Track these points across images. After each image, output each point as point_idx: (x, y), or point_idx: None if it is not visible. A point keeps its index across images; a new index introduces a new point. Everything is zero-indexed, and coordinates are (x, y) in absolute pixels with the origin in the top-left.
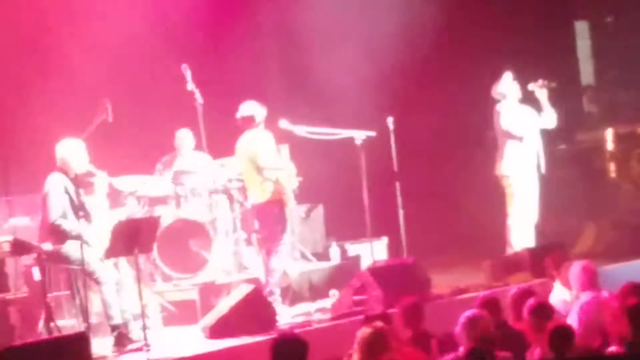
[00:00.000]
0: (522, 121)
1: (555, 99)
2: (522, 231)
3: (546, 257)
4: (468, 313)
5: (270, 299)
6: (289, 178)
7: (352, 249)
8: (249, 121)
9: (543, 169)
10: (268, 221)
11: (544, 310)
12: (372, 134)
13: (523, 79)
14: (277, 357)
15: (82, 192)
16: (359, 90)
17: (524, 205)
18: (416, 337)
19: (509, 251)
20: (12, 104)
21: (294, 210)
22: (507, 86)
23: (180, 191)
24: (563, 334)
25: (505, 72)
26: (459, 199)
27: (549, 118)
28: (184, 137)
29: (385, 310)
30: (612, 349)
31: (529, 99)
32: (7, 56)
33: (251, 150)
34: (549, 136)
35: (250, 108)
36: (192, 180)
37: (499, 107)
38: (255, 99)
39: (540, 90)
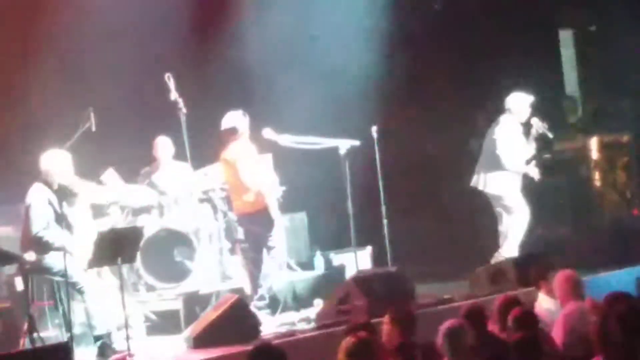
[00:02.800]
0: (513, 141)
1: (539, 108)
2: (511, 244)
3: (531, 267)
4: (448, 323)
5: (260, 304)
6: (271, 188)
7: (337, 258)
8: (232, 133)
9: (536, 176)
10: (256, 230)
11: (528, 320)
12: (357, 143)
13: (507, 88)
14: None
15: (65, 203)
16: (344, 99)
17: (517, 221)
18: (401, 347)
19: (496, 257)
20: None
21: (276, 220)
22: (520, 107)
23: (164, 201)
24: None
25: (530, 94)
26: (443, 209)
27: (528, 152)
28: (163, 145)
29: (369, 319)
30: (596, 358)
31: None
32: None
33: (233, 165)
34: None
35: (232, 120)
36: (175, 190)
37: (502, 118)
38: (239, 108)
39: (537, 128)
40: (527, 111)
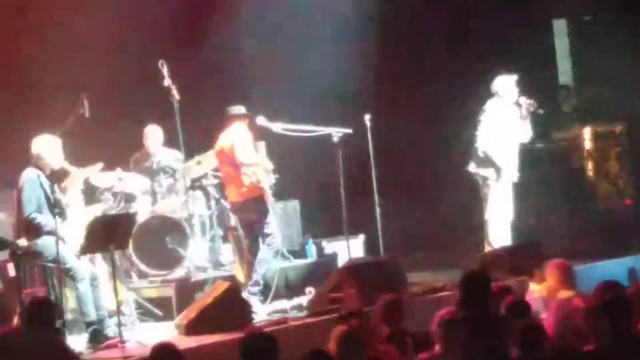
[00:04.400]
0: (504, 124)
1: (533, 96)
2: (499, 229)
3: (524, 256)
4: (443, 312)
5: (254, 289)
6: (266, 174)
7: (329, 246)
8: (241, 118)
9: (515, 174)
10: (250, 217)
11: (520, 308)
12: (349, 131)
13: (502, 77)
14: (246, 355)
15: (57, 189)
16: (337, 87)
17: (501, 203)
18: (392, 335)
19: (487, 249)
20: None
21: (271, 207)
22: (507, 87)
23: (156, 187)
24: (534, 332)
25: (514, 74)
26: (436, 197)
27: (525, 133)
28: (153, 134)
29: (361, 308)
30: (587, 347)
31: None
32: None
33: (229, 147)
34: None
35: (237, 109)
36: (167, 177)
37: (489, 103)
38: (233, 95)
39: (526, 107)
40: (515, 90)
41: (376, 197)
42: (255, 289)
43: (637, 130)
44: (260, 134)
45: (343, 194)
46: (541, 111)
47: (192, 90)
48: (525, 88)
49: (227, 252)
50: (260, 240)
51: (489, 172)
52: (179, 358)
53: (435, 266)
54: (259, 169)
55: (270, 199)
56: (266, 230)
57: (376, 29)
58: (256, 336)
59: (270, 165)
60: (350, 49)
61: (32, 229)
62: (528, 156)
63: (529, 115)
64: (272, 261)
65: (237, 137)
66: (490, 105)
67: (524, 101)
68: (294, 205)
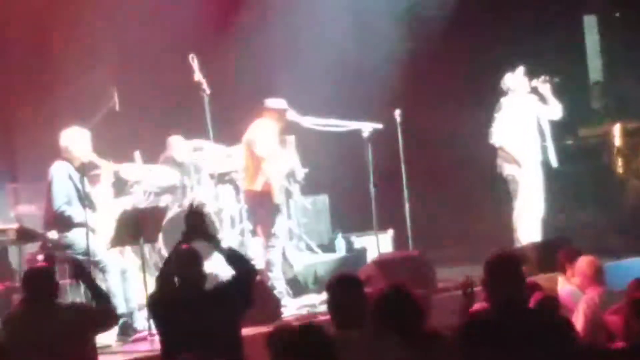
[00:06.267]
0: (521, 119)
1: (563, 94)
2: (528, 225)
3: (556, 252)
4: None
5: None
6: (278, 174)
7: (358, 241)
8: (277, 113)
9: (554, 163)
10: (257, 210)
11: (549, 304)
12: (379, 126)
13: (530, 74)
14: (275, 350)
15: (87, 181)
16: (367, 82)
17: (529, 199)
18: None
19: (516, 245)
20: (20, 90)
21: (299, 201)
22: (516, 80)
23: (187, 181)
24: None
25: (519, 66)
26: (466, 192)
27: (554, 109)
28: (177, 145)
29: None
30: (617, 344)
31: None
32: (16, 43)
33: (249, 139)
34: (556, 131)
35: (276, 102)
36: (196, 171)
37: (503, 100)
38: (263, 89)
39: (543, 85)
40: (525, 80)
41: (405, 192)
42: (274, 292)
43: None
44: (291, 128)
45: (372, 189)
46: (557, 79)
47: (222, 85)
48: (556, 85)
49: (256, 246)
50: (264, 239)
51: (512, 169)
52: None
53: (465, 261)
54: (273, 167)
55: (280, 198)
56: (272, 230)
57: (405, 23)
58: (286, 330)
59: (292, 166)
60: (380, 43)
61: (62, 222)
62: (557, 152)
63: (550, 91)
64: (280, 260)
65: (258, 130)
66: (504, 102)
67: (539, 83)
68: (323, 199)
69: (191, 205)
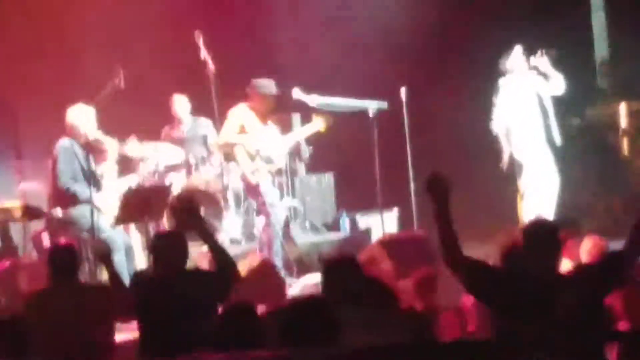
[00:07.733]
0: (520, 98)
1: (568, 72)
2: (534, 204)
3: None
4: None
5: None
6: (250, 158)
7: (363, 219)
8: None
9: (557, 141)
10: (248, 190)
11: None
12: (385, 105)
13: (535, 52)
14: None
15: (92, 159)
16: (373, 60)
17: (535, 178)
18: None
19: (522, 224)
20: (26, 67)
21: (304, 180)
22: (514, 60)
23: (191, 159)
24: None
25: (516, 45)
26: (472, 171)
27: (556, 83)
28: (179, 101)
29: (395, 282)
30: (621, 325)
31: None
32: (22, 20)
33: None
34: (560, 110)
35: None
36: (200, 147)
37: (501, 81)
38: (268, 67)
39: (541, 60)
40: (523, 60)
41: (411, 170)
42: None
43: None
44: (296, 106)
45: (377, 168)
46: (553, 51)
47: (229, 62)
48: (561, 64)
49: (260, 225)
50: (263, 218)
51: (514, 151)
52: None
53: (471, 242)
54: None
55: (256, 178)
56: (268, 210)
57: (413, 2)
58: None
59: (291, 145)
60: (385, 21)
61: (67, 199)
62: (562, 132)
63: (549, 64)
64: (278, 240)
65: (227, 120)
66: (502, 83)
67: (537, 60)
68: (328, 178)
69: (178, 199)
